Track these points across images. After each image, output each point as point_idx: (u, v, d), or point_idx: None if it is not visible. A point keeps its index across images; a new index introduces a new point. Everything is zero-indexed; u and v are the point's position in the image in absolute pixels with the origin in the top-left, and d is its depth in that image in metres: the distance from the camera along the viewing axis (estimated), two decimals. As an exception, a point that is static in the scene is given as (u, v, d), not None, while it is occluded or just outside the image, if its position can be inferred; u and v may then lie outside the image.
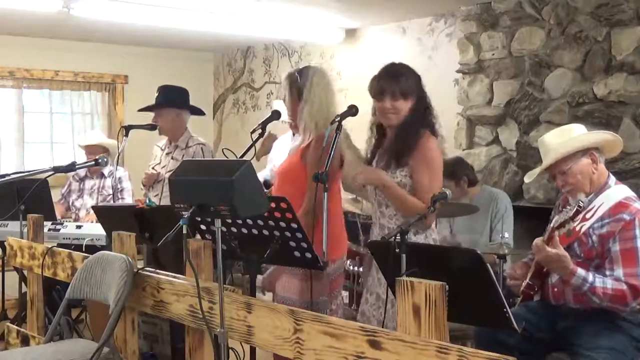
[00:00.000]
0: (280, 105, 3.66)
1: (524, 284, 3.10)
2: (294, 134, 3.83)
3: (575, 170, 2.97)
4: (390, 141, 3.15)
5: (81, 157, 5.51)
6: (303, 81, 3.31)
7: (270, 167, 4.80)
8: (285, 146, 4.36)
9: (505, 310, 2.35)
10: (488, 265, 2.32)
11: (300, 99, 3.31)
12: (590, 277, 2.85)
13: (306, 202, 3.16)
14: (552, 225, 2.96)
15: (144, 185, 4.69)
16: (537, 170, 3.15)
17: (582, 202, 2.88)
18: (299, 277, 3.23)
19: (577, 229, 2.93)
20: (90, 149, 5.52)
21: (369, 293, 3.17)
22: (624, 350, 2.85)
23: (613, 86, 4.56)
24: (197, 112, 4.83)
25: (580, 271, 2.85)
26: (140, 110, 4.83)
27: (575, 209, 2.86)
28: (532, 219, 4.34)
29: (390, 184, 3.03)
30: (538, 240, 2.92)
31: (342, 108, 3.19)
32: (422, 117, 3.08)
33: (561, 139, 3.02)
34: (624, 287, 2.80)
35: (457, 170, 4.60)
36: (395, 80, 3.05)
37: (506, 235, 4.24)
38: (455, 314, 2.10)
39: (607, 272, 2.86)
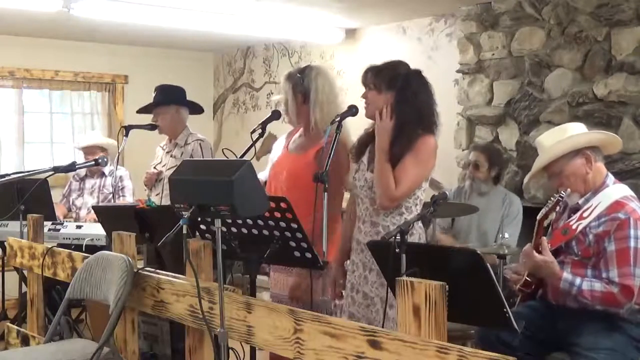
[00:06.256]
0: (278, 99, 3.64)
1: (521, 281, 3.10)
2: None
3: (568, 171, 2.98)
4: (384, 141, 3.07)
5: (81, 158, 5.51)
6: (307, 83, 3.30)
7: (270, 167, 4.79)
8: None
9: (505, 310, 2.35)
10: (488, 265, 2.32)
11: (306, 101, 3.31)
12: (578, 280, 2.86)
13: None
14: (538, 217, 3.00)
15: (146, 186, 4.69)
16: (530, 173, 3.16)
17: (563, 193, 2.91)
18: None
19: (574, 227, 2.94)
20: (87, 150, 5.52)
21: (354, 291, 3.08)
22: (624, 350, 2.85)
23: (613, 86, 4.56)
24: (196, 108, 4.83)
25: (567, 275, 2.88)
26: (138, 110, 4.84)
27: (556, 200, 2.94)
28: (532, 219, 4.32)
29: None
30: (527, 247, 2.98)
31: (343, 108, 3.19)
32: (415, 116, 2.97)
33: (553, 140, 3.03)
34: (615, 289, 2.81)
35: (496, 159, 4.73)
36: (371, 73, 3.02)
37: (506, 235, 4.24)
38: (455, 314, 2.10)
39: (603, 273, 2.86)
